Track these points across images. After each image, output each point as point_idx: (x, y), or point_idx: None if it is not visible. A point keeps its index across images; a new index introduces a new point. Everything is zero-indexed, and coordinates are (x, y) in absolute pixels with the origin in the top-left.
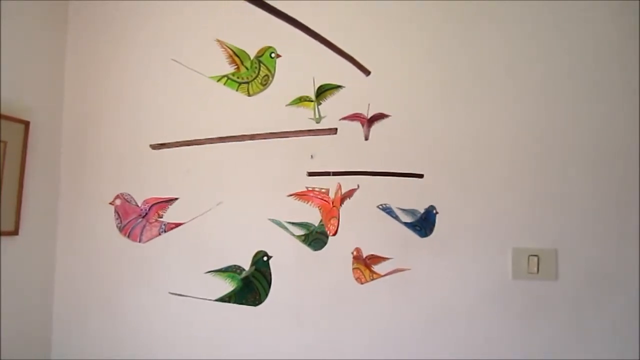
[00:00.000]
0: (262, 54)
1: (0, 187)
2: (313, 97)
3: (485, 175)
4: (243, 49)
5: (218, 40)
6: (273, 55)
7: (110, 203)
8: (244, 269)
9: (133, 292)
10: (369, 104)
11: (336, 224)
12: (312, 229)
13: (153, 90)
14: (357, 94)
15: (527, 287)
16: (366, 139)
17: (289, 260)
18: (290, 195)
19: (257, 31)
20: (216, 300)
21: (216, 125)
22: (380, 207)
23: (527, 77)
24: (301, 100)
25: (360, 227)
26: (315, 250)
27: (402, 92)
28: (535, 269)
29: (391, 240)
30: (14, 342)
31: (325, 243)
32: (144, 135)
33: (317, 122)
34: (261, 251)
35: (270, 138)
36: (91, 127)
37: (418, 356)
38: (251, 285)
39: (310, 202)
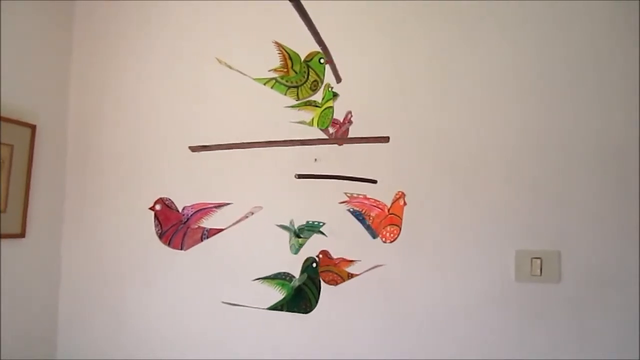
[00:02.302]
0: (311, 59)
1: (7, 190)
2: (320, 102)
3: (488, 178)
4: (297, 51)
5: (275, 42)
6: (322, 61)
7: (150, 208)
8: (293, 276)
9: (138, 293)
10: (349, 111)
11: (396, 232)
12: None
13: (158, 93)
14: (347, 96)
15: (530, 289)
16: (339, 144)
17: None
18: (342, 202)
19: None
20: (268, 309)
21: (219, 127)
22: (350, 210)
23: (528, 77)
24: (306, 104)
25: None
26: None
27: (402, 93)
28: (539, 271)
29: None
30: (20, 342)
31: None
32: (149, 138)
33: (324, 128)
34: (310, 257)
35: (319, 144)
36: (97, 130)
37: (420, 358)
38: (302, 292)
39: (362, 210)
